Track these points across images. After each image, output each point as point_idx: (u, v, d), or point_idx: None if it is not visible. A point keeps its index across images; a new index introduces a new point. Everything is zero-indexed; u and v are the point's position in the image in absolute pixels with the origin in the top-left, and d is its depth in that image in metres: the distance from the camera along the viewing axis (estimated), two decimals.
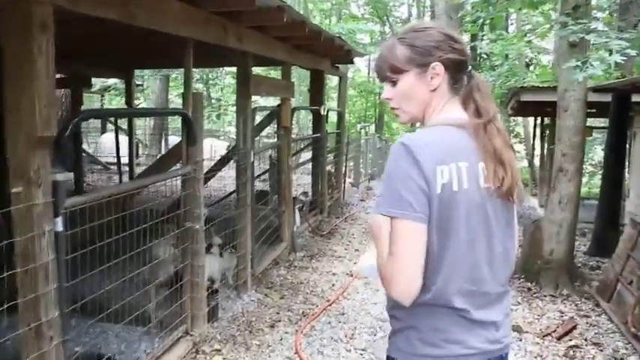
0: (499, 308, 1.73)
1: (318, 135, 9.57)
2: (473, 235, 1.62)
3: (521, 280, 7.04)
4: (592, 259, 8.20)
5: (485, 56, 24.79)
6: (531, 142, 25.51)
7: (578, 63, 5.75)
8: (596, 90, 7.38)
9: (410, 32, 1.73)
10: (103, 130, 19.50)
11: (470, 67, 1.75)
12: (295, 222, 7.86)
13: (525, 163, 25.79)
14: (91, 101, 20.15)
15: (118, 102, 26.13)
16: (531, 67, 20.98)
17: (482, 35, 23.80)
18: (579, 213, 7.21)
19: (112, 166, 15.32)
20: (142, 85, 18.88)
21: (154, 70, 17.37)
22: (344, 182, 12.46)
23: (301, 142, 11.02)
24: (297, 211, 7.99)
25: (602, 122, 13.17)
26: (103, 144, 18.16)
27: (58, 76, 10.71)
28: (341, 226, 9.75)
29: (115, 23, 3.36)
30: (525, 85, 10.70)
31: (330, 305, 5.83)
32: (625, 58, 5.82)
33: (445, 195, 1.56)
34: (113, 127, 14.40)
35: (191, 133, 4.21)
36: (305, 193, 9.36)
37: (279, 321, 5.32)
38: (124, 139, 17.34)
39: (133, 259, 3.82)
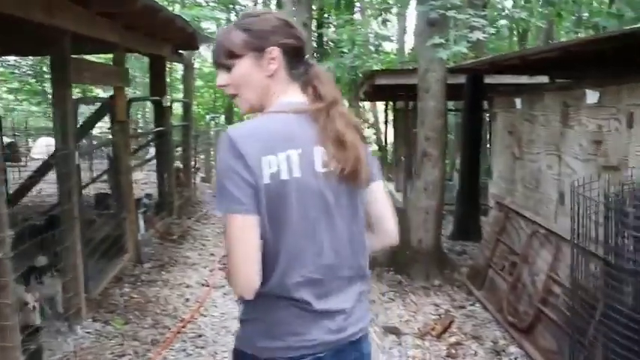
0: (349, 294, 1.68)
1: (161, 129, 8.56)
2: (311, 223, 1.58)
3: (391, 272, 6.65)
4: (457, 244, 8.04)
5: (332, 43, 24.89)
6: (380, 126, 26.33)
7: (442, 40, 5.35)
8: (453, 71, 7.12)
9: (247, 17, 1.70)
10: None
11: (307, 55, 1.72)
12: (140, 229, 6.87)
13: (376, 147, 26.55)
14: None
15: None
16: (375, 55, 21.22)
17: (328, 22, 23.85)
18: None
19: None
20: None
21: None
22: (194, 179, 11.54)
23: (144, 138, 9.93)
24: (140, 216, 7.01)
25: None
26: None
27: None
28: (193, 227, 8.85)
29: None
30: (380, 68, 10.43)
31: (183, 327, 5.00)
32: (486, 35, 5.53)
33: (274, 185, 1.52)
34: None
35: None
36: (148, 195, 8.33)
37: (123, 355, 4.41)
38: None
39: None
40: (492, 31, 5.52)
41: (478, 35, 5.20)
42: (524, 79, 7.43)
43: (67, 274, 4.59)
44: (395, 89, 10.97)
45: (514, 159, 6.15)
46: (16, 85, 25.79)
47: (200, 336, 4.84)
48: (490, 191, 7.04)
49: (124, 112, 6.23)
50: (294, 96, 1.66)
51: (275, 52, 1.63)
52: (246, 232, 1.52)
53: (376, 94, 12.07)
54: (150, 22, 5.61)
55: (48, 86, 24.80)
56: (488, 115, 8.73)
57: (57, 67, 4.39)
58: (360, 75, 19.01)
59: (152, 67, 8.76)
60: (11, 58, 20.82)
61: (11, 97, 28.61)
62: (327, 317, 1.63)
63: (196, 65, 26.31)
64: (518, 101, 5.74)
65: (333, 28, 24.98)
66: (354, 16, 24.97)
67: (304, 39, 1.70)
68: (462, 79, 8.13)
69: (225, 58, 1.66)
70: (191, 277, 6.39)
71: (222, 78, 1.69)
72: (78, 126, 5.28)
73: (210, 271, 6.61)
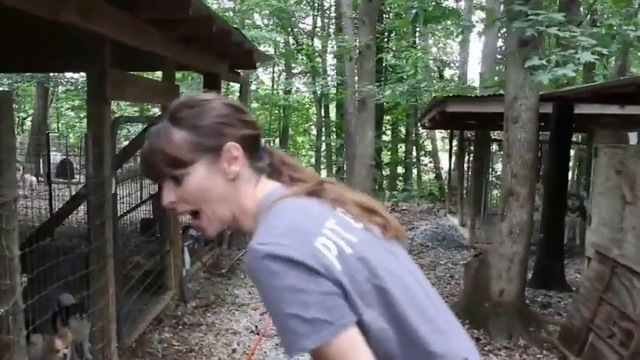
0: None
1: None
2: (402, 279, 1.27)
3: (466, 326, 5.75)
4: (538, 293, 7.07)
5: (390, 69, 24.22)
6: (439, 156, 25.38)
7: (543, 61, 4.51)
8: (543, 99, 6.25)
9: (183, 109, 1.30)
10: None
11: (261, 142, 1.37)
12: (185, 263, 6.20)
13: (432, 176, 25.58)
14: None
15: None
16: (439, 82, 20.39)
17: (388, 48, 23.21)
18: None
19: None
20: None
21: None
22: None
23: None
24: (186, 248, 6.33)
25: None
26: None
27: None
28: (244, 260, 8.14)
29: None
30: (453, 94, 9.67)
31: None
32: (598, 57, 4.67)
33: (347, 266, 1.17)
34: None
35: None
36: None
37: None
38: None
39: None
40: (605, 51, 4.64)
41: (587, 57, 4.34)
42: (633, 110, 6.47)
43: (97, 321, 3.90)
44: (465, 117, 10.21)
45: (623, 204, 5.22)
46: (77, 102, 25.97)
47: None
48: (588, 239, 6.06)
49: None
50: (271, 187, 1.34)
51: (235, 149, 1.29)
52: (354, 345, 1.16)
53: (443, 121, 11.26)
54: (204, 34, 4.96)
55: None
56: (580, 149, 7.78)
57: (92, 80, 3.77)
58: (422, 101, 18.31)
59: (206, 86, 8.16)
60: (74, 75, 20.85)
61: (72, 113, 28.96)
62: None
63: (252, 87, 26.07)
64: (633, 136, 4.82)
65: (391, 54, 24.43)
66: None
67: (258, 125, 1.40)
68: (547, 109, 7.23)
69: (170, 168, 1.28)
70: (239, 322, 5.65)
71: (168, 195, 1.31)
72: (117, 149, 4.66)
73: (260, 315, 5.86)
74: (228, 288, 6.74)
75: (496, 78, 14.70)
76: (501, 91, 7.53)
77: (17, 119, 25.05)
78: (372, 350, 1.18)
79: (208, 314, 5.81)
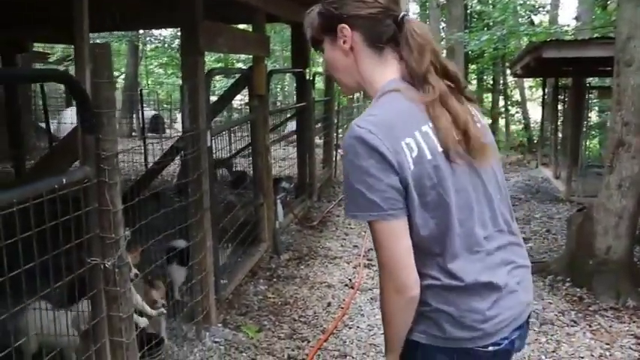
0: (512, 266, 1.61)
1: (302, 104, 7.83)
2: (469, 196, 1.50)
3: (568, 284, 5.48)
4: None
5: (475, 16, 23.18)
6: (527, 105, 24.29)
7: None
8: None
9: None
10: (68, 104, 17.52)
11: (400, 15, 1.53)
12: (278, 215, 6.20)
13: (520, 126, 24.54)
14: None
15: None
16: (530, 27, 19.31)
17: None
18: None
19: None
20: None
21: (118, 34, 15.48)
22: (335, 156, 10.81)
23: (282, 114, 9.26)
24: (279, 201, 6.33)
25: None
26: (67, 120, 16.22)
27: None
28: (334, 212, 8.09)
29: None
30: (550, 39, 9.09)
31: (325, 340, 4.23)
32: None
33: (420, 169, 1.42)
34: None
35: (86, 111, 2.53)
36: (288, 178, 7.64)
37: None
38: None
39: None
40: None
41: None
42: None
43: (196, 273, 3.94)
44: (560, 64, 9.59)
45: None
46: (165, 59, 26.57)
47: (345, 356, 4.04)
48: None
49: (264, 85, 5.53)
50: (391, 72, 1.55)
51: (344, 29, 1.55)
52: (394, 236, 1.45)
53: (537, 69, 10.63)
54: None
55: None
56: None
57: (186, 33, 3.70)
58: (510, 49, 17.44)
59: (294, 37, 8.03)
60: (162, 32, 21.21)
61: (161, 71, 29.66)
62: (505, 290, 1.55)
63: None
64: None
65: (477, 0, 23.36)
66: None
67: (383, 2, 1.53)
68: None
69: (315, 44, 1.65)
70: (333, 275, 5.61)
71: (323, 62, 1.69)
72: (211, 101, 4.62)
73: (354, 268, 5.80)
74: (320, 241, 6.72)
75: (595, 22, 13.73)
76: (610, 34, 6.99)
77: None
78: (413, 241, 1.46)
79: (302, 267, 5.81)
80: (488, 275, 1.52)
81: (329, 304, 4.91)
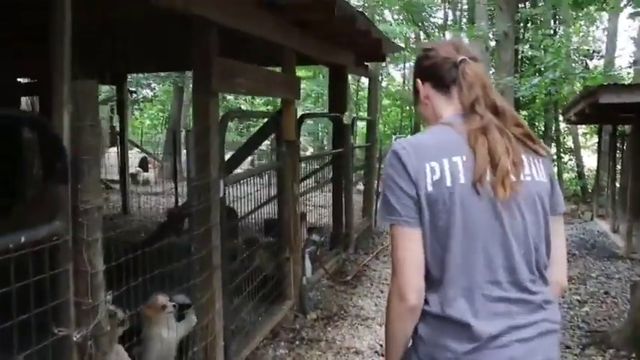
0: (525, 319, 1.60)
1: (339, 150, 7.41)
2: (478, 230, 1.57)
3: None
4: None
5: (527, 61, 22.62)
6: (581, 153, 23.36)
7: None
8: None
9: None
10: (112, 143, 17.59)
11: (459, 59, 1.73)
12: (305, 271, 5.72)
13: (573, 175, 23.55)
14: None
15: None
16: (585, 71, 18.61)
17: (525, 39, 21.64)
18: None
19: (116, 185, 13.45)
20: (135, 93, 16.91)
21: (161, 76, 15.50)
22: (375, 205, 10.31)
23: (316, 161, 8.84)
24: (307, 255, 5.85)
25: None
26: (111, 159, 16.24)
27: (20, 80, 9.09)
28: (371, 266, 7.55)
29: None
30: (607, 83, 8.50)
31: None
32: None
33: (437, 192, 1.57)
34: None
35: (59, 158, 2.16)
36: (320, 230, 7.17)
37: None
38: (133, 155, 15.62)
39: None
40: None
41: None
42: None
43: (201, 339, 3.49)
44: (618, 110, 8.94)
45: None
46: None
47: None
48: None
49: (293, 130, 5.14)
50: (451, 110, 1.74)
51: (418, 83, 1.84)
52: (405, 241, 1.59)
53: (593, 115, 9.96)
54: (325, 19, 4.43)
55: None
56: None
57: (197, 69, 3.35)
58: (563, 95, 16.79)
59: (332, 81, 7.69)
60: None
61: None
62: (493, 342, 1.55)
63: (383, 84, 25.47)
64: None
65: (528, 45, 22.82)
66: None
67: (441, 54, 1.76)
68: None
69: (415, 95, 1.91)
70: (363, 339, 5.07)
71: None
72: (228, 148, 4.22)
73: None
74: (352, 298, 6.20)
75: None
76: None
77: (162, 118, 26.09)
78: (425, 255, 1.59)
79: (329, 328, 5.29)
80: (473, 319, 1.56)
81: None
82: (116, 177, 13.05)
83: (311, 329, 5.21)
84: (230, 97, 24.91)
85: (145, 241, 5.66)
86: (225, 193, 3.62)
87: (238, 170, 6.00)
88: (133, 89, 16.04)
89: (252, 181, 6.05)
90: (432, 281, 1.60)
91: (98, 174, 2.39)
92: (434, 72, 1.77)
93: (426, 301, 1.60)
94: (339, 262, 7.12)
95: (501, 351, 1.55)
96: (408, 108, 26.34)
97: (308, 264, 5.88)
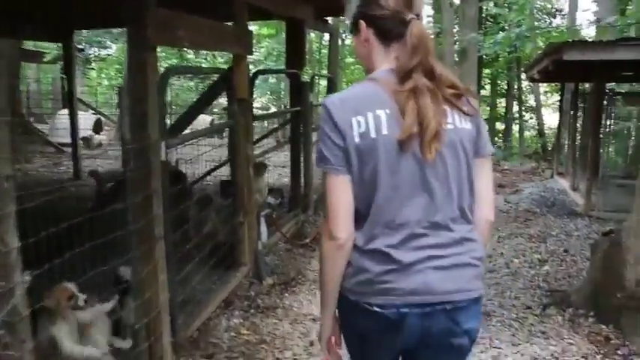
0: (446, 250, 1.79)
1: (296, 109, 7.11)
2: (401, 178, 1.73)
3: (591, 319, 4.75)
4: None
5: (491, 19, 22.43)
6: (542, 112, 23.47)
7: None
8: None
9: None
10: (64, 105, 16.89)
11: (408, 17, 1.79)
12: (261, 235, 5.49)
13: (534, 133, 23.69)
14: (45, 72, 17.45)
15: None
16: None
17: None
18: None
19: (68, 148, 12.95)
20: (83, 51, 16.17)
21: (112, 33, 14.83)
22: None
23: (273, 120, 8.51)
24: (262, 219, 5.61)
25: None
26: (62, 121, 15.60)
27: None
28: None
29: None
30: (572, 40, 8.35)
31: None
32: None
33: (363, 143, 1.72)
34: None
35: None
36: (277, 191, 6.91)
37: None
38: (88, 116, 14.98)
39: None
40: None
41: None
42: None
43: (142, 316, 3.24)
44: (583, 68, 8.83)
45: None
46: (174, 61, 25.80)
47: None
48: None
49: (246, 87, 4.83)
50: (388, 64, 1.82)
51: (362, 25, 1.86)
52: (336, 187, 1.75)
53: (556, 73, 9.83)
54: None
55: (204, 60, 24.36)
56: None
57: (130, 23, 3.00)
58: (526, 53, 16.67)
59: (289, 36, 7.33)
60: None
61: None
62: (409, 268, 1.75)
63: (347, 42, 24.98)
64: None
65: (492, 3, 22.60)
66: None
67: (393, 7, 1.80)
68: None
69: (352, 32, 1.96)
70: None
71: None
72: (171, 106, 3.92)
73: None
74: (311, 262, 6.01)
75: (618, 23, 12.92)
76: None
77: (120, 78, 25.15)
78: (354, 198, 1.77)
79: (286, 294, 5.10)
80: (393, 250, 1.74)
81: (311, 344, 4.20)
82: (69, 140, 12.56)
83: (267, 296, 5.01)
84: (190, 56, 24.16)
85: (91, 209, 5.35)
86: (167, 157, 3.33)
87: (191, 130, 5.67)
88: (81, 47, 15.28)
89: (207, 141, 5.75)
90: (359, 221, 1.77)
91: (5, 137, 2.09)
92: (381, 23, 1.82)
93: (355, 238, 1.78)
94: (297, 225, 6.91)
95: (415, 275, 1.74)
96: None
97: (264, 228, 5.64)
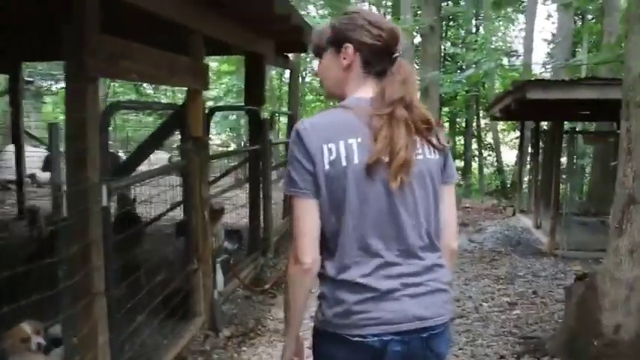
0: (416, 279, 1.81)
1: (255, 147, 6.79)
2: (370, 206, 1.74)
3: None
4: None
5: (449, 59, 22.75)
6: (500, 148, 23.77)
7: None
8: None
9: (340, 16, 1.92)
10: (15, 140, 16.18)
11: (397, 54, 1.84)
12: (217, 283, 5.09)
13: (493, 170, 23.93)
14: None
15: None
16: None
17: (446, 37, 21.75)
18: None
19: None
20: (31, 83, 15.59)
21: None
22: None
23: (236, 158, 8.18)
24: (218, 266, 5.22)
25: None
26: (9, 157, 14.89)
27: None
28: None
29: None
30: (535, 78, 8.34)
31: None
32: None
33: (333, 171, 1.73)
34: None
35: None
36: (236, 234, 6.52)
37: None
38: (36, 153, 14.33)
39: None
40: None
41: None
42: None
43: None
44: (545, 106, 8.78)
45: None
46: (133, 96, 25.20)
47: None
48: None
49: (200, 124, 4.51)
50: (364, 92, 1.84)
51: (349, 49, 1.83)
52: (303, 211, 1.75)
53: (519, 111, 9.77)
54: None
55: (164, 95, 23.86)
56: None
57: (70, 49, 2.66)
58: (484, 91, 16.88)
59: (248, 70, 7.06)
60: None
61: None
62: (385, 296, 1.75)
63: (307, 79, 24.95)
64: None
65: (450, 43, 22.94)
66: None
67: (387, 39, 1.82)
68: None
69: (317, 50, 1.94)
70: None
71: (317, 67, 1.97)
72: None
73: (309, 348, 4.72)
74: (271, 309, 5.63)
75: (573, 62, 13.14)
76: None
77: None
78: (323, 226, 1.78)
79: (244, 347, 4.71)
80: (367, 279, 1.75)
81: None
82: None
83: (224, 350, 4.60)
84: (150, 91, 23.67)
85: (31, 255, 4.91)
86: (109, 202, 2.97)
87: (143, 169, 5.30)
88: (31, 79, 14.71)
89: (165, 180, 5.38)
90: (329, 250, 1.78)
91: None
92: (372, 54, 1.82)
93: (324, 267, 1.79)
94: (256, 269, 6.52)
95: (393, 303, 1.75)
96: (332, 104, 25.96)
97: (220, 275, 5.25)
